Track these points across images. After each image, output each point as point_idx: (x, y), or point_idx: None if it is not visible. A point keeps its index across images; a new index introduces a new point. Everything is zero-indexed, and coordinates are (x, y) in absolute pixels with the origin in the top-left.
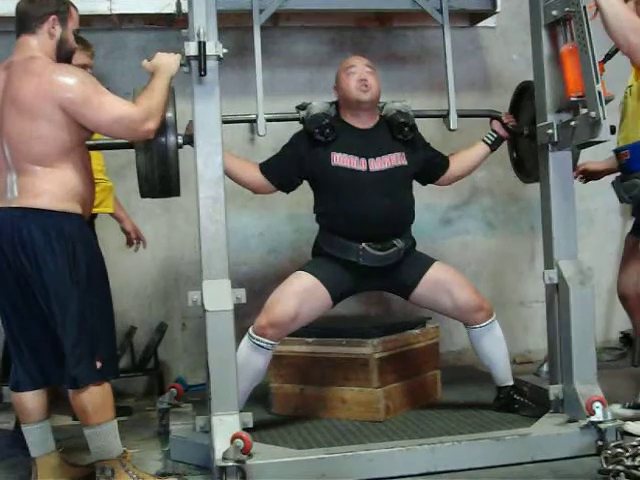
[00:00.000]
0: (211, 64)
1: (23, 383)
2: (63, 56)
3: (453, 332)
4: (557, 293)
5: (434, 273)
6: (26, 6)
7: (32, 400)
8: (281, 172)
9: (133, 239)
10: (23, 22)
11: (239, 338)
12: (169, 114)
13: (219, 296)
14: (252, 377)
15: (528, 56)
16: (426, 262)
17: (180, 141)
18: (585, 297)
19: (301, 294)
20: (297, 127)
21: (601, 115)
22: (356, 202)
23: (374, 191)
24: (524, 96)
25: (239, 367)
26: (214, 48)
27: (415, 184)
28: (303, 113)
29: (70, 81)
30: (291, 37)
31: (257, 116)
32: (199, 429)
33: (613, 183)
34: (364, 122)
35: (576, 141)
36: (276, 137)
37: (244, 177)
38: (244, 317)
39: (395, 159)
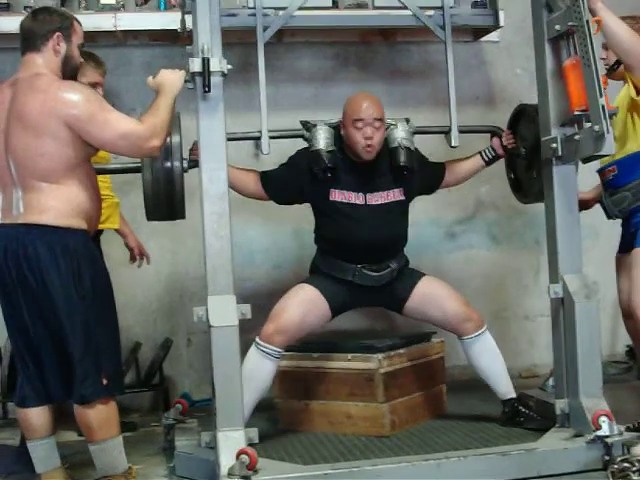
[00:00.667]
0: (215, 80)
1: (29, 399)
2: (69, 72)
3: (458, 346)
4: (562, 307)
5: (423, 286)
6: (30, 24)
7: (38, 416)
8: (280, 190)
9: (136, 255)
10: (28, 40)
11: (244, 353)
12: (175, 138)
13: (224, 312)
14: (259, 387)
15: (532, 70)
16: (416, 276)
17: (185, 165)
18: (590, 311)
19: (305, 304)
20: (302, 143)
21: (605, 129)
22: (353, 232)
23: (371, 222)
24: (521, 118)
25: (246, 378)
26: (218, 64)
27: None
28: (307, 134)
29: (75, 98)
30: (295, 53)
31: (261, 134)
32: (204, 445)
33: (600, 200)
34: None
35: (580, 155)
36: (280, 153)
37: (245, 190)
38: (250, 331)
39: (393, 195)
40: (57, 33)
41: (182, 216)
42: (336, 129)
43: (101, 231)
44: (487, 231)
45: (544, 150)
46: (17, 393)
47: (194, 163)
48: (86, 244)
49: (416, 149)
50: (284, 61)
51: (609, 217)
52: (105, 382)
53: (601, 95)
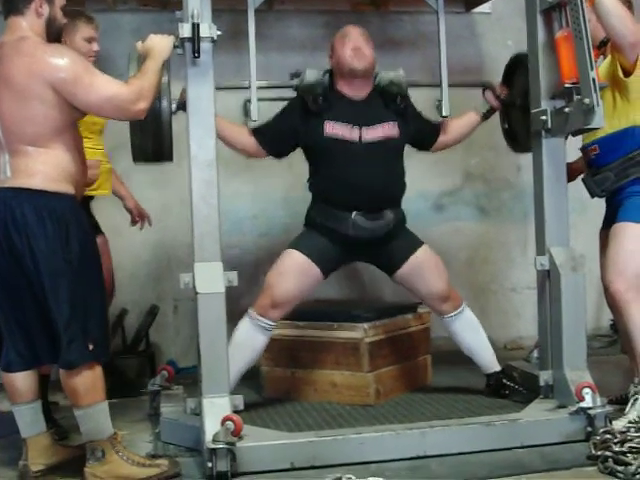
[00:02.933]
0: (205, 46)
1: (14, 363)
2: (53, 34)
3: None
4: (548, 280)
5: (419, 258)
6: None
7: (23, 380)
8: (273, 139)
9: (136, 217)
10: (10, 3)
11: (230, 321)
12: (163, 79)
13: (211, 278)
14: (249, 358)
15: (523, 42)
16: (414, 244)
17: (174, 107)
18: (576, 284)
19: (297, 274)
20: None
21: (595, 102)
22: (348, 171)
23: (366, 161)
24: (517, 67)
25: (237, 347)
26: (208, 30)
27: (408, 167)
28: (297, 80)
29: (61, 61)
30: (285, 21)
31: (250, 100)
32: (190, 411)
33: (584, 179)
34: (357, 91)
35: (570, 128)
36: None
37: (237, 142)
38: (238, 299)
39: (388, 129)
40: None
41: (169, 158)
42: (325, 74)
43: (92, 197)
44: (475, 203)
45: (534, 122)
46: (2, 358)
47: (182, 105)
48: (73, 209)
49: (410, 100)
50: (274, 29)
51: (592, 196)
52: (91, 347)
53: (592, 68)
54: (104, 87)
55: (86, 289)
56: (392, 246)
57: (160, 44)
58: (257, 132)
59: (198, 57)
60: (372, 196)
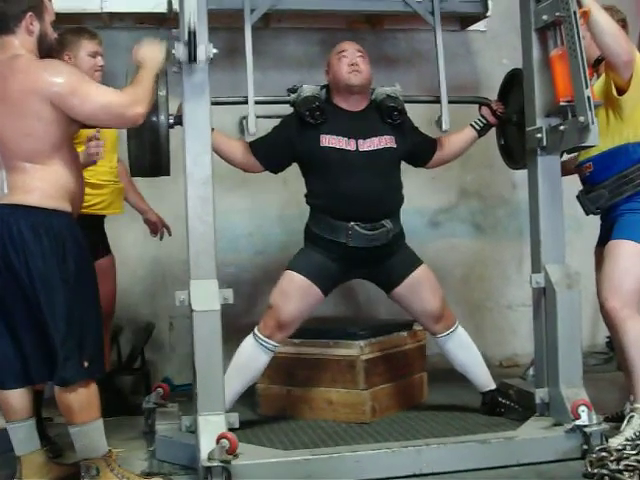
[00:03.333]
0: (201, 66)
1: (9, 381)
2: (45, 50)
3: None
4: (544, 297)
5: (417, 277)
6: (1, 6)
7: (18, 398)
8: (270, 153)
9: (160, 228)
10: (1, 23)
11: (226, 339)
12: (161, 92)
13: (206, 296)
14: (250, 378)
15: (518, 60)
16: (413, 262)
17: (171, 121)
18: (572, 301)
19: (299, 295)
20: None
21: (590, 120)
22: (345, 181)
23: (363, 170)
24: (513, 83)
25: (239, 368)
26: (204, 49)
27: (404, 184)
28: (294, 96)
29: (56, 76)
30: (282, 38)
31: (246, 116)
32: (185, 429)
33: (578, 197)
34: (354, 105)
35: (565, 146)
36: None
37: (234, 157)
38: (234, 317)
39: (384, 141)
40: (29, 13)
41: (166, 172)
42: (323, 88)
43: (103, 216)
44: (471, 220)
45: (529, 140)
46: None
47: (179, 119)
48: (70, 226)
49: (407, 116)
50: (270, 47)
51: (587, 214)
52: (86, 364)
53: (587, 86)
54: (99, 96)
55: (82, 306)
56: (391, 263)
57: (152, 54)
58: (254, 146)
59: (195, 62)
60: (369, 206)
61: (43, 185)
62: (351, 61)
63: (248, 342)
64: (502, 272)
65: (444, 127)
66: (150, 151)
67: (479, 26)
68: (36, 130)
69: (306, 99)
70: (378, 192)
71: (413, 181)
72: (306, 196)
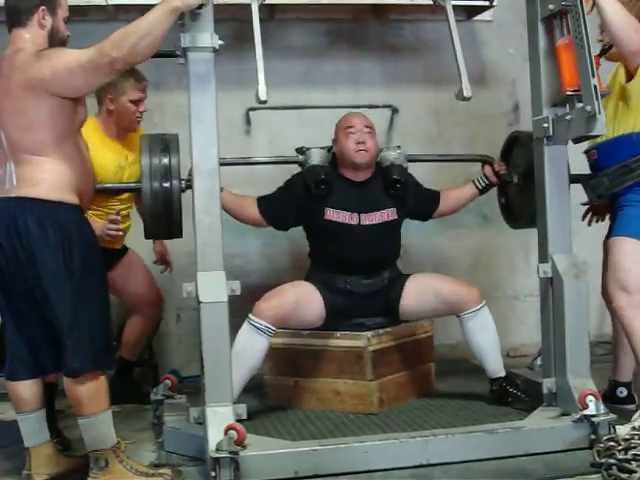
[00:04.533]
0: (207, 56)
1: (19, 372)
2: (56, 45)
3: (447, 325)
4: (551, 287)
5: (412, 282)
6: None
7: (28, 389)
8: (276, 213)
9: (159, 261)
10: (13, 16)
11: (234, 330)
12: (174, 160)
13: (214, 288)
14: (250, 365)
15: (524, 50)
16: (403, 277)
17: (183, 186)
18: (579, 291)
19: (301, 293)
20: (292, 121)
21: (597, 109)
22: (346, 250)
23: (364, 241)
24: (515, 145)
25: (237, 355)
26: (209, 39)
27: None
28: (302, 158)
29: (42, 64)
30: (287, 29)
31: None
32: (193, 420)
33: (583, 184)
34: (359, 176)
35: (571, 135)
36: (271, 129)
37: (242, 215)
38: (239, 309)
39: (386, 215)
40: (42, 7)
41: (179, 235)
42: (330, 151)
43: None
44: (478, 210)
45: (535, 130)
46: (7, 366)
47: (190, 184)
48: (78, 219)
49: (410, 174)
50: (276, 38)
51: (591, 201)
52: (94, 356)
53: (593, 75)
54: (76, 59)
55: (89, 298)
56: (385, 291)
57: None
58: (261, 205)
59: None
60: (368, 267)
61: (50, 177)
62: (358, 139)
63: (243, 327)
64: (509, 262)
65: (466, 94)
66: (163, 217)
67: (485, 16)
68: (38, 123)
69: (313, 169)
70: (377, 257)
71: (419, 172)
72: (309, 252)
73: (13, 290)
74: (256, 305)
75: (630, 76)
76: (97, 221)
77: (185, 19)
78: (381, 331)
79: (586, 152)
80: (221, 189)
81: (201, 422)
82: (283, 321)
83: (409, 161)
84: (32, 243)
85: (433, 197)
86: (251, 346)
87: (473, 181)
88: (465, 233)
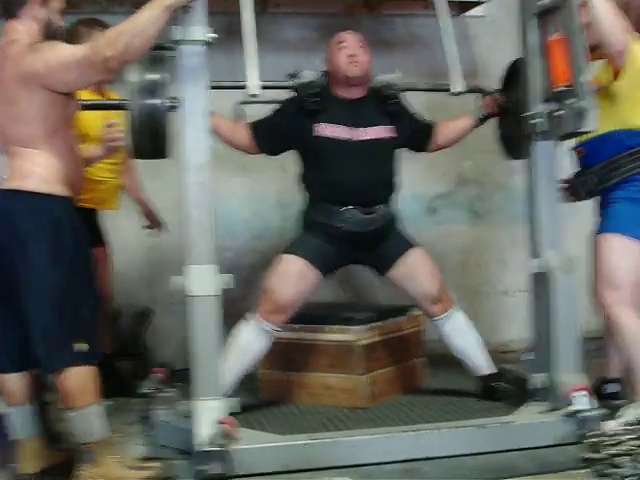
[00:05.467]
0: (198, 49)
1: (5, 365)
2: (49, 37)
3: None
4: (541, 282)
5: (411, 259)
6: None
7: (15, 382)
8: (268, 137)
9: (147, 223)
10: (6, 8)
11: (224, 324)
12: (161, 75)
13: (204, 281)
14: (249, 362)
15: (516, 46)
16: (407, 245)
17: (169, 104)
18: (569, 286)
19: (297, 278)
20: None
21: (587, 105)
22: (340, 169)
23: (358, 159)
24: (515, 74)
25: (238, 352)
26: (202, 33)
27: (402, 170)
28: (294, 81)
29: (35, 57)
30: (279, 23)
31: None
32: (183, 414)
33: (570, 180)
34: (353, 94)
35: (562, 131)
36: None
37: (233, 139)
38: (232, 302)
39: (381, 131)
40: None
41: (164, 154)
42: (323, 74)
43: (94, 210)
44: (468, 206)
45: (526, 125)
46: None
47: (176, 104)
48: (67, 211)
49: (406, 104)
50: (268, 32)
51: (579, 198)
52: (81, 349)
53: (585, 72)
54: (70, 55)
55: (77, 291)
56: (384, 246)
57: None
58: (252, 129)
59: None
60: (363, 193)
61: (40, 170)
62: (351, 52)
63: (246, 327)
64: (499, 258)
65: (455, 89)
66: (149, 135)
67: (477, 11)
68: (29, 116)
69: (306, 84)
70: (373, 180)
71: (410, 167)
72: (301, 180)
73: (2, 283)
74: (261, 307)
75: (616, 74)
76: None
77: (177, 12)
78: (372, 325)
79: (573, 149)
80: (212, 113)
81: (191, 415)
82: (288, 317)
83: (405, 89)
84: (21, 236)
85: (428, 126)
86: (255, 346)
87: (473, 113)
88: (456, 229)
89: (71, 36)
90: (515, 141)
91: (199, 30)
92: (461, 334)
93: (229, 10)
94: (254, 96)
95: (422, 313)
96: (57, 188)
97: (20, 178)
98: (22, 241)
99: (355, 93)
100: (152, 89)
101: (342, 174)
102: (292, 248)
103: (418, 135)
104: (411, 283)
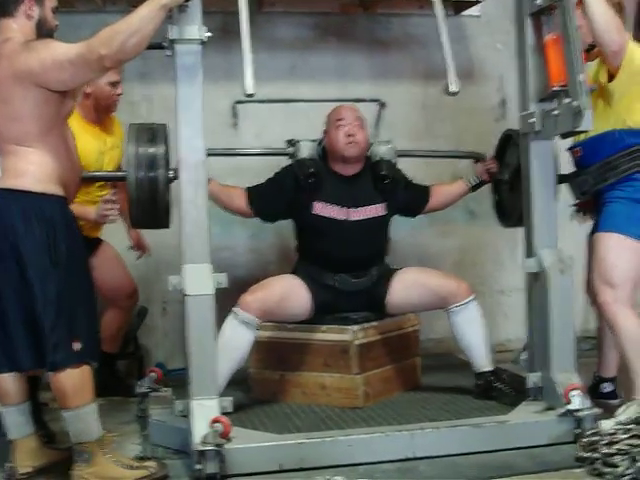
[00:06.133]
0: (194, 48)
1: (1, 365)
2: (43, 36)
3: (433, 320)
4: (537, 282)
5: (399, 277)
6: None
7: (11, 382)
8: (264, 205)
9: (135, 246)
10: (1, 6)
11: (220, 323)
12: (160, 149)
13: (199, 280)
14: (234, 357)
15: (512, 45)
16: (390, 271)
17: (171, 175)
18: (565, 286)
19: (287, 286)
20: (279, 114)
21: (583, 105)
22: (334, 246)
23: (352, 237)
24: (508, 143)
25: (222, 347)
26: (197, 31)
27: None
28: (291, 150)
29: (30, 55)
30: (275, 22)
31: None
32: (178, 413)
33: (567, 181)
34: (348, 171)
35: (558, 130)
36: (258, 122)
37: (230, 205)
38: (225, 302)
39: (375, 210)
40: None
41: (166, 225)
42: (320, 145)
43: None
44: (464, 206)
45: (522, 125)
46: None
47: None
48: (62, 210)
49: (400, 170)
50: (263, 31)
51: (576, 198)
52: (78, 348)
53: (581, 71)
54: (65, 53)
55: (73, 291)
56: (372, 287)
57: None
58: (250, 196)
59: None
60: (356, 265)
61: (34, 168)
62: (349, 131)
63: (227, 320)
64: (495, 257)
65: (452, 89)
66: (150, 208)
67: (473, 11)
68: (23, 114)
69: (303, 162)
70: (366, 254)
71: (406, 168)
72: (296, 246)
73: None
74: (241, 298)
75: (611, 75)
76: (87, 207)
77: (173, 11)
78: (367, 325)
79: (570, 149)
80: (209, 180)
81: (186, 415)
82: (268, 314)
83: (399, 156)
84: (17, 235)
85: (423, 192)
86: (236, 339)
87: (465, 179)
88: (451, 229)
89: None
90: (508, 209)
91: (194, 29)
92: (474, 325)
93: (224, 9)
94: (250, 95)
95: (418, 314)
96: (51, 187)
97: (14, 177)
98: (16, 241)
99: (351, 170)
100: (151, 161)
101: (335, 249)
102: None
103: (412, 203)
104: (418, 288)
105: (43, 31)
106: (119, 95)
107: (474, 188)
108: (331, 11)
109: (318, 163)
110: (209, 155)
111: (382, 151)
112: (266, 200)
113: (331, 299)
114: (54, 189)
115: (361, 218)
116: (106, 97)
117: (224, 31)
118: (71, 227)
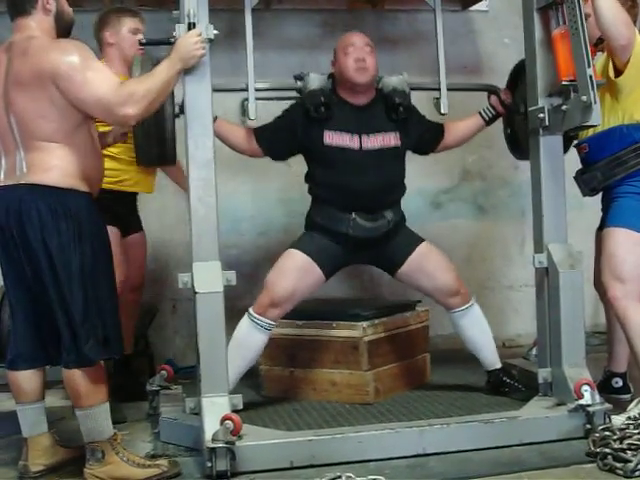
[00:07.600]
0: None
1: (20, 361)
2: (62, 28)
3: (443, 315)
4: (547, 277)
5: (420, 254)
6: None
7: (28, 380)
8: (273, 142)
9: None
10: (16, 5)
11: (229, 320)
12: None
13: (209, 278)
14: (248, 357)
15: (520, 40)
16: (414, 241)
17: (177, 110)
18: (574, 281)
19: (297, 273)
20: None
21: (592, 99)
22: (347, 178)
23: (365, 168)
24: (521, 74)
25: (236, 347)
26: (205, 30)
27: (407, 164)
28: (300, 84)
29: (59, 57)
30: (283, 20)
31: (248, 93)
32: (189, 411)
33: (575, 178)
34: (360, 99)
35: (567, 125)
36: (266, 120)
37: (237, 144)
38: (236, 299)
39: (388, 139)
40: None
41: (172, 161)
42: (329, 77)
43: (135, 193)
44: (473, 201)
45: (531, 120)
46: (8, 355)
47: (183, 110)
48: (88, 206)
49: (413, 106)
50: (271, 28)
51: (583, 195)
52: (105, 344)
53: (589, 65)
54: (97, 86)
55: (99, 287)
56: (392, 245)
57: (185, 46)
58: (257, 133)
59: None
60: (371, 200)
61: (61, 164)
62: (358, 56)
63: (243, 322)
64: (504, 252)
65: (443, 110)
66: (155, 142)
67: (481, 6)
68: (50, 112)
69: (312, 92)
70: (380, 187)
71: (415, 162)
72: (308, 184)
73: (22, 278)
74: (258, 301)
75: (617, 69)
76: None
77: (180, 9)
78: (377, 321)
79: (577, 146)
80: (215, 118)
81: (197, 413)
82: (284, 311)
83: (411, 89)
84: (44, 231)
85: (437, 128)
86: (250, 340)
87: (479, 112)
88: (460, 224)
89: (100, 23)
90: (522, 140)
91: (202, 27)
92: (476, 328)
93: (232, 6)
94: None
95: (429, 309)
96: (77, 183)
97: (40, 172)
98: (44, 236)
99: (362, 99)
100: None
101: (349, 181)
102: (297, 244)
103: (426, 138)
104: (426, 278)
105: (61, 23)
106: (140, 43)
107: (489, 121)
108: (339, 8)
109: (328, 93)
110: (215, 91)
111: (394, 82)
112: (276, 137)
113: (342, 257)
114: (80, 185)
115: (375, 147)
116: (130, 45)
117: (232, 29)
118: (97, 223)
